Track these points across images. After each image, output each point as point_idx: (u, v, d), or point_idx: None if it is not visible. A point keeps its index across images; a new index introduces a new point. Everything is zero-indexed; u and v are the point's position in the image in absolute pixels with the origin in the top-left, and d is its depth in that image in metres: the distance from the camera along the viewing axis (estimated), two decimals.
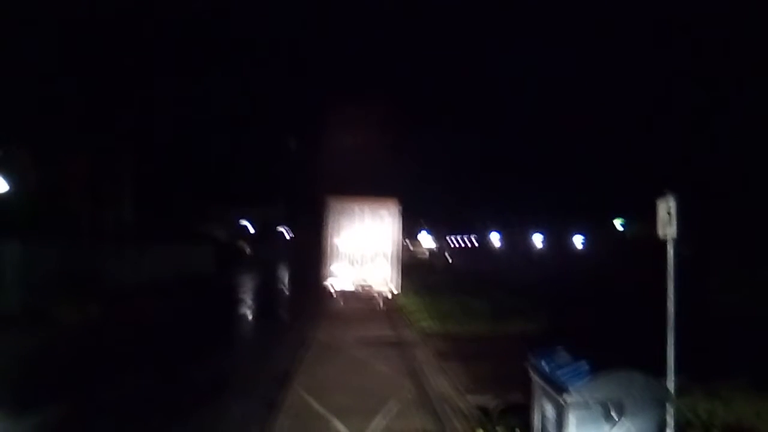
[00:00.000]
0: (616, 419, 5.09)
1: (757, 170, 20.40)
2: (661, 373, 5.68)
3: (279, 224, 59.93)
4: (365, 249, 19.36)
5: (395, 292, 19.17)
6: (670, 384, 5.73)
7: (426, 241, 62.32)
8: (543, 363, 5.80)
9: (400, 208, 19.73)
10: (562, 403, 5.14)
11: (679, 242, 5.99)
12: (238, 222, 50.15)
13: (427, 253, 56.05)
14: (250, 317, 19.02)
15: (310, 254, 27.15)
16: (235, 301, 22.33)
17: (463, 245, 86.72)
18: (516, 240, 64.26)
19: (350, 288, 19.05)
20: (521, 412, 6.59)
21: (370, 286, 19.03)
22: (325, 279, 19.23)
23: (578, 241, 50.57)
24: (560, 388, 5.23)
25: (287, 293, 27.06)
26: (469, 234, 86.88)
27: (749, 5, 19.96)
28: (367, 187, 26.67)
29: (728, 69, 21.85)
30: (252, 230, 52.46)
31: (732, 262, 19.54)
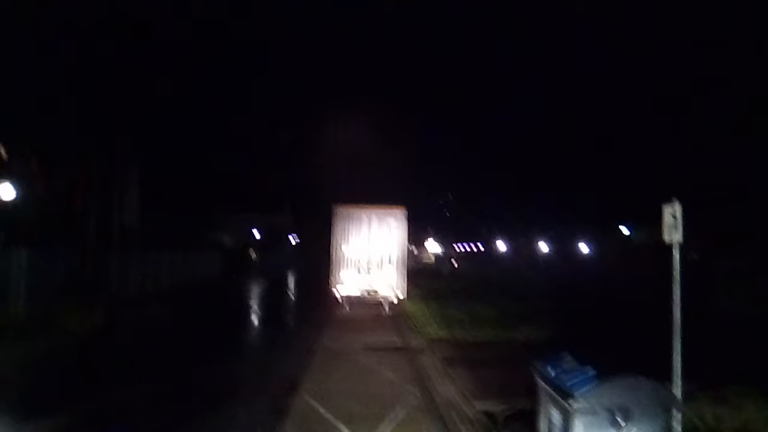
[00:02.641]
0: (623, 425, 5.08)
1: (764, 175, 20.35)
2: (668, 378, 5.67)
3: (286, 231, 59.98)
4: (372, 256, 19.39)
5: (401, 298, 19.17)
6: (677, 389, 5.72)
7: (432, 247, 62.34)
8: (549, 368, 5.79)
9: (407, 214, 19.75)
10: (568, 408, 5.14)
11: (685, 247, 5.99)
12: (244, 228, 50.22)
13: (434, 259, 56.04)
14: (256, 323, 19.06)
15: (317, 261, 27.17)
16: (242, 308, 22.38)
17: (468, 251, 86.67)
18: (522, 246, 64.16)
19: (356, 294, 19.07)
20: (527, 418, 6.59)
21: (376, 292, 19.04)
22: (331, 285, 19.26)
23: (584, 246, 50.44)
24: (566, 394, 5.23)
25: (294, 299, 27.09)
26: (474, 240, 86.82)
27: (750, 5, 19.94)
28: (374, 194, 26.75)
29: (730, 71, 21.83)
30: (258, 237, 52.52)
31: (740, 267, 19.46)
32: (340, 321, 17.21)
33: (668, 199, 5.99)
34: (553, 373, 5.68)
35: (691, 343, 5.95)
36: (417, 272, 30.55)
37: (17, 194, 16.70)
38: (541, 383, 5.91)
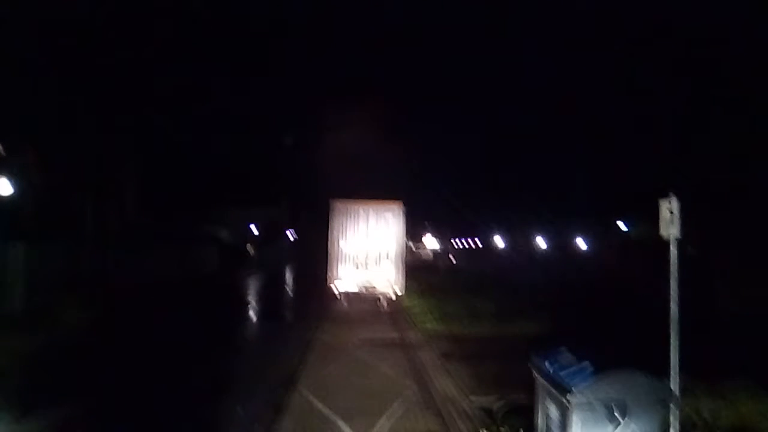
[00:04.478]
0: (620, 420, 5.10)
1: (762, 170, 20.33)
2: (665, 373, 5.68)
3: (283, 226, 59.96)
4: (369, 251, 19.39)
5: (399, 294, 19.18)
6: (674, 384, 5.73)
7: (430, 242, 62.27)
8: (546, 364, 5.81)
9: (405, 209, 19.74)
10: (566, 403, 5.15)
11: (683, 242, 5.99)
12: (242, 224, 50.18)
13: (432, 255, 55.98)
14: (254, 318, 19.06)
15: (315, 256, 27.18)
16: (240, 303, 22.38)
17: (467, 247, 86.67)
18: (519, 241, 64.25)
19: (354, 290, 19.08)
20: (525, 413, 6.60)
21: (374, 288, 19.05)
22: (329, 281, 19.26)
23: (581, 242, 50.51)
24: (564, 389, 5.24)
25: (291, 295, 27.09)
26: (473, 236, 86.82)
27: (749, 5, 19.92)
28: (372, 189, 26.70)
29: (730, 69, 21.81)
30: (256, 232, 52.50)
31: (737, 262, 19.48)
32: (338, 316, 17.22)
33: (665, 194, 5.99)
34: (550, 368, 5.70)
35: (688, 338, 5.96)
36: (415, 268, 30.53)
37: (15, 189, 16.67)
38: (539, 378, 5.93)
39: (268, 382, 9.42)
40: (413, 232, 49.96)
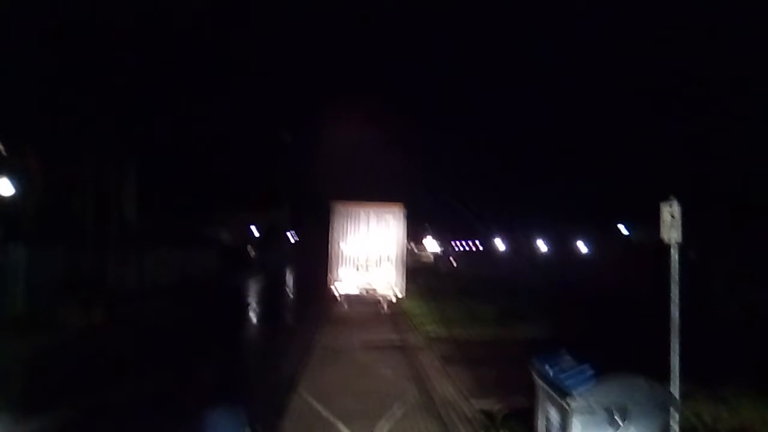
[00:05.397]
0: (620, 424, 5.09)
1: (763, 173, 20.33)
2: (666, 377, 5.67)
3: (284, 228, 59.96)
4: (370, 253, 19.37)
5: (400, 296, 19.16)
6: (675, 389, 5.72)
7: (431, 245, 62.29)
8: (547, 367, 5.80)
9: (406, 212, 19.73)
10: (566, 407, 5.14)
11: (684, 246, 5.99)
12: (243, 225, 50.21)
13: (432, 257, 55.97)
14: (254, 321, 19.04)
15: (315, 258, 27.17)
16: (240, 305, 22.35)
17: (467, 249, 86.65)
18: (520, 244, 64.25)
19: (355, 292, 19.05)
20: (525, 417, 6.59)
21: (374, 290, 19.02)
22: (330, 283, 19.24)
23: (582, 245, 50.49)
24: (564, 393, 5.23)
25: (292, 297, 27.08)
26: (473, 238, 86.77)
27: (750, 7, 19.92)
28: (373, 191, 26.71)
29: (729, 71, 21.82)
30: (257, 234, 52.51)
31: (738, 265, 19.47)
32: (339, 319, 17.19)
33: (666, 198, 5.99)
34: (551, 372, 5.69)
35: (689, 342, 5.95)
36: (415, 270, 30.50)
37: (16, 190, 16.68)
38: (539, 382, 5.92)
39: (268, 384, 9.41)
40: (414, 235, 50.04)
